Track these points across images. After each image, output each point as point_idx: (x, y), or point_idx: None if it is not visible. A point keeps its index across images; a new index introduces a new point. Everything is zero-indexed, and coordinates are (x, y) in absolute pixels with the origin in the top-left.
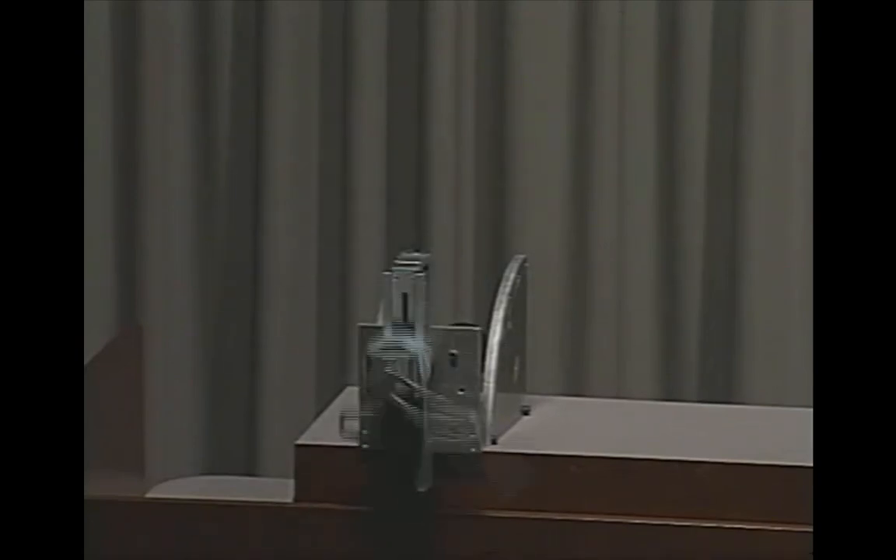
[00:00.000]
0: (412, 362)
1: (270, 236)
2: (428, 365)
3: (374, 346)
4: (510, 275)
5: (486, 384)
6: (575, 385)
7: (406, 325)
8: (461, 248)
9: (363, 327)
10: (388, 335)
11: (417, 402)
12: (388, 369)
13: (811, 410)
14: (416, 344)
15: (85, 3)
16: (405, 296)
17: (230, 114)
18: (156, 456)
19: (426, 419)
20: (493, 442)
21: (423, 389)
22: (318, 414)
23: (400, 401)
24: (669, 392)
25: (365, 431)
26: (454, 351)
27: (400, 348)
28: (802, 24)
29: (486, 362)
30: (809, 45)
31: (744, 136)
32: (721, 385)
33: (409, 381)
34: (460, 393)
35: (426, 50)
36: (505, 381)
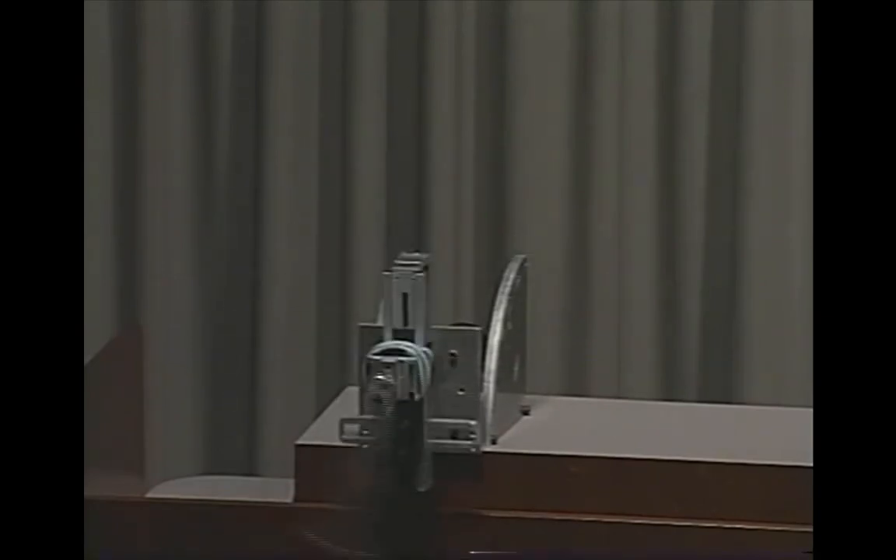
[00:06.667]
0: (412, 368)
1: (270, 236)
2: (428, 369)
3: (374, 352)
4: (510, 275)
5: (486, 384)
6: (575, 385)
7: (406, 329)
8: (461, 248)
9: (363, 327)
10: (388, 340)
11: (417, 407)
12: (387, 375)
13: (811, 410)
14: (415, 349)
15: (85, 3)
16: (405, 296)
17: (230, 114)
18: (156, 456)
19: (426, 423)
20: (493, 442)
21: (423, 394)
22: (318, 414)
23: (399, 407)
24: (669, 392)
25: (365, 433)
26: (454, 351)
27: (400, 352)
28: (802, 24)
29: (486, 362)
30: (809, 45)
31: (744, 136)
32: (721, 385)
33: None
34: (460, 393)
35: (426, 50)
36: (505, 381)
